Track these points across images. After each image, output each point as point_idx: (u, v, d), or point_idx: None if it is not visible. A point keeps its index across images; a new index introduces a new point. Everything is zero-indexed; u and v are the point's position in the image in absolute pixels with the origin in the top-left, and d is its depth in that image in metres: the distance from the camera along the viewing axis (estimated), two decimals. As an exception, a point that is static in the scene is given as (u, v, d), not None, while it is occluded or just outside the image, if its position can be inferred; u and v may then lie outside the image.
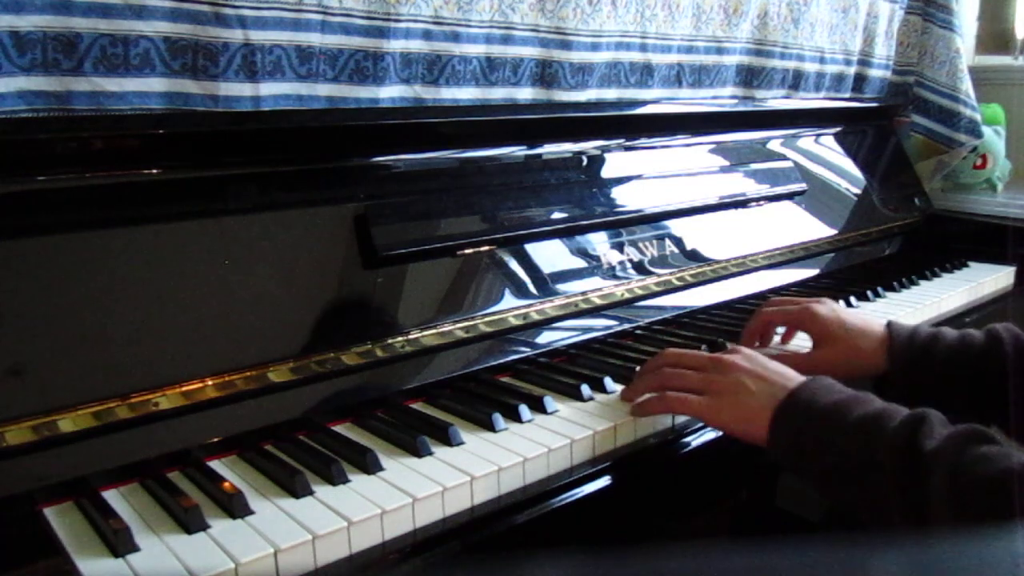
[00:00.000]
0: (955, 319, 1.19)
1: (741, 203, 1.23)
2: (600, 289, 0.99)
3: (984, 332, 0.85)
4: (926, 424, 0.62)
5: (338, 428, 0.74)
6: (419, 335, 0.83)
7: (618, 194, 1.08)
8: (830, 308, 0.90)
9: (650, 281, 1.05)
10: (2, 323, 0.64)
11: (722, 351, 0.79)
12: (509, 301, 0.91)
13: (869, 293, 1.18)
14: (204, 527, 0.57)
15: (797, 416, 0.68)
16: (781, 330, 0.98)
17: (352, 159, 0.89)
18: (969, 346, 0.84)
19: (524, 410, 0.75)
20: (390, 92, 0.99)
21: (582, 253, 1.00)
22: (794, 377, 0.72)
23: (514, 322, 0.90)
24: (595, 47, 1.17)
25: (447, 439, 0.70)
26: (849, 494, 0.65)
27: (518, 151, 1.04)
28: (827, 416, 0.66)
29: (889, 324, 0.88)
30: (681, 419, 0.79)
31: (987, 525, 0.55)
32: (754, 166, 1.29)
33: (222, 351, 0.72)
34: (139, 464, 0.65)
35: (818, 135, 1.49)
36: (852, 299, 1.16)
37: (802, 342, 0.96)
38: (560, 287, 0.96)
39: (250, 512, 0.59)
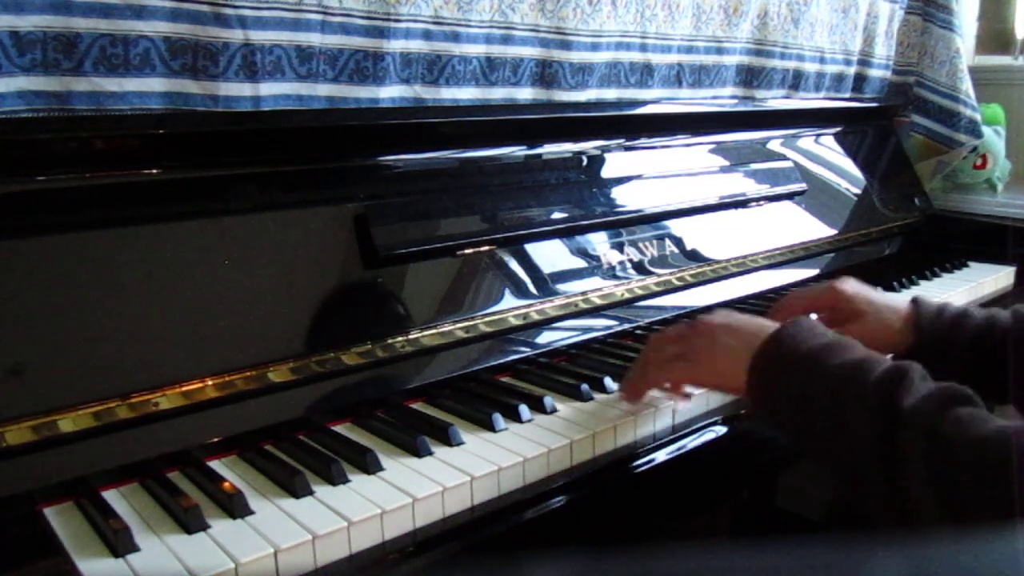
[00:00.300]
0: (955, 319, 1.19)
1: (741, 203, 1.23)
2: (600, 289, 0.99)
3: (1011, 311, 0.85)
4: (906, 379, 0.61)
5: (338, 428, 0.74)
6: (419, 335, 0.83)
7: (618, 194, 1.08)
8: (854, 285, 0.89)
9: (650, 281, 1.05)
10: (2, 323, 0.64)
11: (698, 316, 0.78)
12: (509, 301, 0.91)
13: (869, 293, 1.18)
14: (204, 527, 0.57)
15: (775, 361, 0.67)
16: None
17: (352, 159, 0.89)
18: (996, 325, 0.84)
19: (524, 410, 0.75)
20: (390, 92, 0.99)
21: (582, 253, 1.00)
22: (771, 325, 0.71)
23: (514, 322, 0.90)
24: (595, 47, 1.17)
25: (447, 439, 0.70)
26: (824, 445, 0.64)
27: (518, 151, 1.04)
28: (806, 361, 0.65)
29: (915, 300, 0.88)
30: (681, 418, 0.79)
31: (960, 488, 0.55)
32: (754, 166, 1.29)
33: (222, 351, 0.72)
34: (139, 464, 0.65)
35: (818, 135, 1.49)
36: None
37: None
38: (560, 287, 0.96)
39: (250, 512, 0.59)
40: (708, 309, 1.09)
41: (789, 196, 1.31)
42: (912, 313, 0.86)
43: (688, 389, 0.79)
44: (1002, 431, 0.56)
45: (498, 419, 0.73)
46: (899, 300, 0.89)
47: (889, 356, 0.91)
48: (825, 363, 0.64)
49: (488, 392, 0.82)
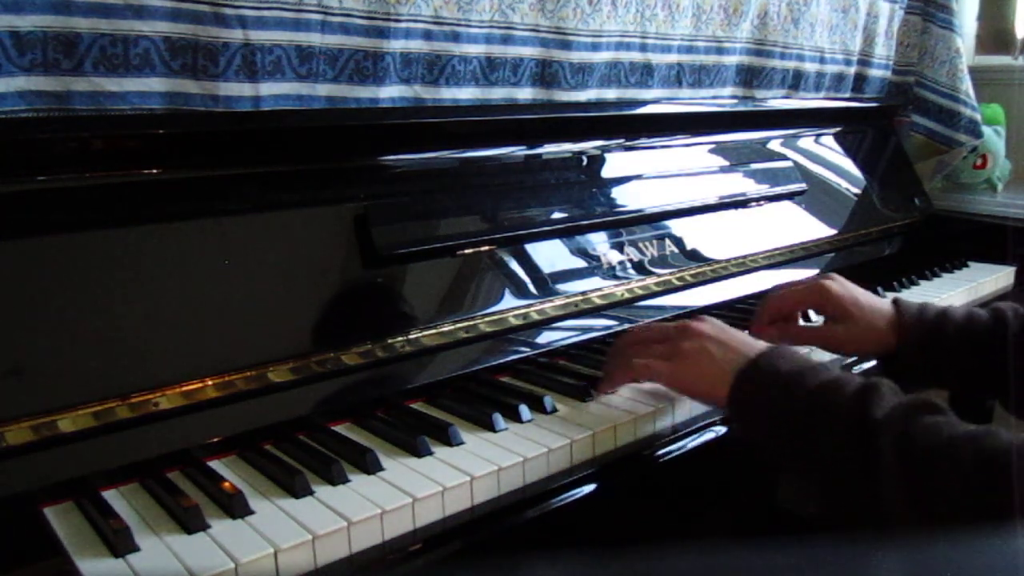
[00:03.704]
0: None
1: (741, 203, 1.23)
2: (600, 289, 0.99)
3: (990, 311, 0.86)
4: (877, 393, 0.64)
5: (338, 428, 0.74)
6: (419, 335, 0.83)
7: (618, 194, 1.08)
8: (841, 284, 0.90)
9: (650, 281, 1.05)
10: (2, 323, 0.64)
11: (688, 319, 0.79)
12: (509, 301, 0.91)
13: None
14: (204, 527, 0.57)
15: (756, 382, 0.69)
16: None
17: (352, 159, 0.89)
18: (976, 324, 0.85)
19: (524, 410, 0.75)
20: (390, 92, 0.99)
21: (582, 253, 1.00)
22: (757, 345, 0.73)
23: (514, 322, 0.90)
24: (595, 47, 1.17)
25: (447, 439, 0.70)
26: (803, 460, 0.67)
27: (518, 151, 1.04)
28: (784, 383, 0.68)
29: (896, 302, 0.89)
30: (680, 418, 0.79)
31: (933, 490, 0.57)
32: (754, 166, 1.29)
33: (222, 351, 0.72)
34: (139, 464, 0.65)
35: (818, 135, 1.49)
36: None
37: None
38: (560, 287, 0.96)
39: (250, 512, 0.59)
40: (708, 309, 1.09)
41: (789, 196, 1.31)
42: (894, 315, 0.87)
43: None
44: (966, 433, 0.59)
45: (498, 419, 0.73)
46: (883, 302, 0.90)
47: (874, 362, 0.92)
48: (801, 383, 0.67)
49: (488, 392, 0.82)
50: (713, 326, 0.76)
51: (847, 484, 0.63)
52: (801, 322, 0.97)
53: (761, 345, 0.73)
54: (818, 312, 0.93)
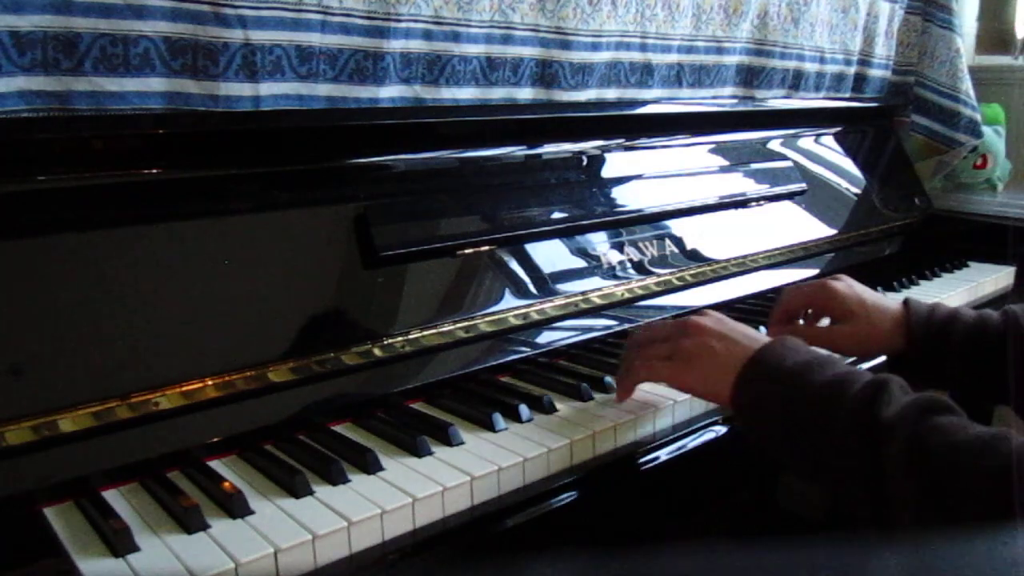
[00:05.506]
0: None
1: (741, 203, 1.23)
2: (600, 289, 0.99)
3: (1001, 312, 0.85)
4: (885, 392, 0.62)
5: (338, 428, 0.74)
6: (419, 335, 0.83)
7: (618, 194, 1.08)
8: (847, 284, 0.90)
9: (650, 281, 1.05)
10: (2, 323, 0.64)
11: (690, 314, 0.78)
12: (509, 301, 0.91)
13: (869, 293, 1.18)
14: (204, 527, 0.57)
15: (760, 378, 0.67)
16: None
17: (352, 159, 0.89)
18: (986, 326, 0.84)
19: (524, 410, 0.75)
20: (390, 92, 0.99)
21: (582, 253, 1.00)
22: (760, 338, 0.71)
23: (514, 322, 0.90)
24: (595, 47, 1.17)
25: (447, 439, 0.70)
26: (808, 459, 0.65)
27: (518, 151, 1.04)
28: (789, 379, 0.66)
29: (907, 302, 0.88)
30: (680, 418, 0.79)
31: (940, 495, 0.56)
32: (754, 166, 1.29)
33: (222, 351, 0.72)
34: (139, 464, 0.65)
35: (818, 135, 1.49)
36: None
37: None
38: (560, 287, 0.96)
39: (250, 512, 0.59)
40: (708, 309, 1.09)
41: (789, 196, 1.31)
42: (903, 315, 0.87)
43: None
44: (979, 437, 0.57)
45: (498, 419, 0.73)
46: (892, 301, 0.89)
47: (882, 359, 0.92)
48: (807, 379, 0.65)
49: (488, 392, 0.82)
50: (714, 320, 0.74)
51: (852, 485, 0.61)
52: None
53: (764, 338, 0.72)
54: (823, 312, 0.92)
